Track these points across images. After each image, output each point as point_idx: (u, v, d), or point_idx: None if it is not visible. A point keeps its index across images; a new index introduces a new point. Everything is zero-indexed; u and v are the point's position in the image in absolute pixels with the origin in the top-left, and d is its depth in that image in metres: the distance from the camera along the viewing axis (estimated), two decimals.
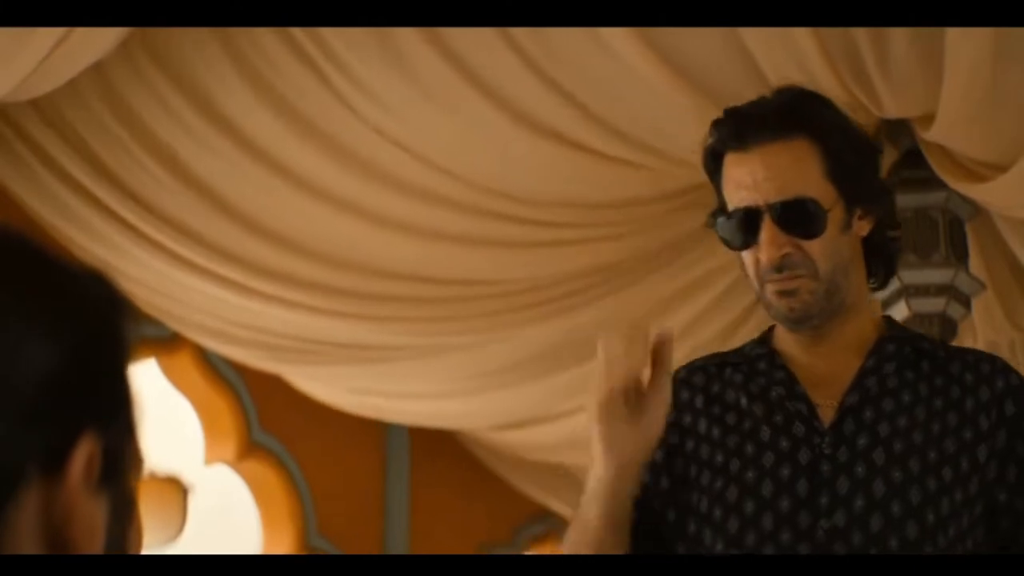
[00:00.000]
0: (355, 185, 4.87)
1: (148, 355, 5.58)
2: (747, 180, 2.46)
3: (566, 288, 5.08)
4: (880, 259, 2.57)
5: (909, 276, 4.32)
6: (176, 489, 5.60)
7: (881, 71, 4.06)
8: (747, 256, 2.49)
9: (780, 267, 2.44)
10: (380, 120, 4.65)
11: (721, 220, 2.51)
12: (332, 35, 4.46)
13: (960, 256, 4.47)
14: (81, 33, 4.18)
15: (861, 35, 3.99)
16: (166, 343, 5.57)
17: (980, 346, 4.77)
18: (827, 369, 2.51)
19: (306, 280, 5.13)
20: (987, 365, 2.51)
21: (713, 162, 2.54)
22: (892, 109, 4.19)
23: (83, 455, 1.11)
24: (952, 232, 4.45)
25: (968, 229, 4.55)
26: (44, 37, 4.14)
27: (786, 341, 2.55)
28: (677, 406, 2.48)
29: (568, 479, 5.74)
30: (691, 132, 4.55)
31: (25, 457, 1.08)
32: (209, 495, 6.17)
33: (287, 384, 5.86)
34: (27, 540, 1.08)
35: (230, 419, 5.87)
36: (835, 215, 2.46)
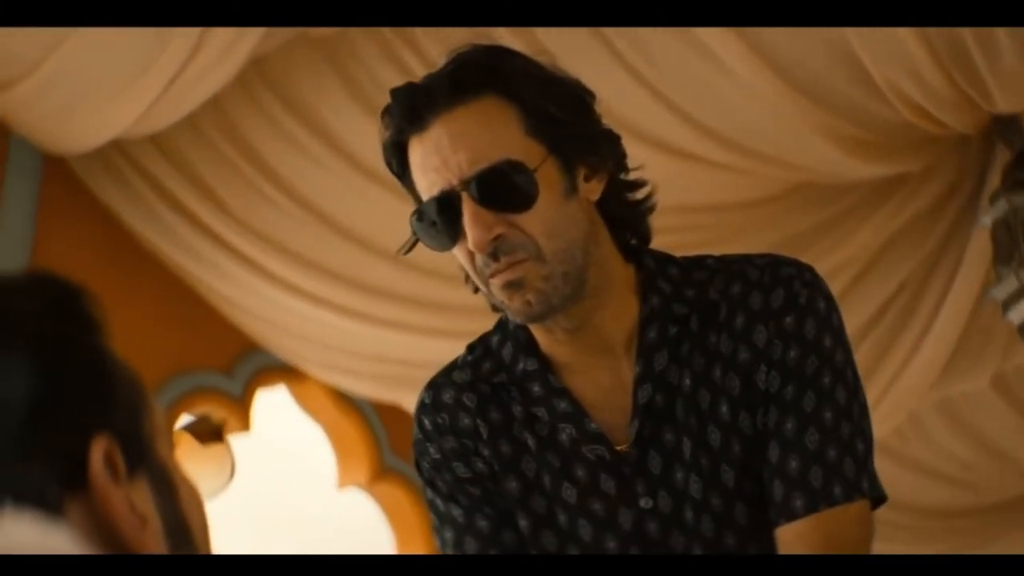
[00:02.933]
0: None
1: (278, 382, 5.66)
2: (434, 160, 1.98)
3: None
4: (625, 224, 2.09)
5: None
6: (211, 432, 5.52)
7: (990, 67, 4.03)
8: (460, 254, 2.01)
9: (494, 252, 1.96)
10: None
11: (414, 220, 2.02)
12: (439, 54, 4.50)
13: None
14: (197, 66, 4.26)
15: (967, 32, 3.96)
16: (296, 370, 5.63)
17: None
18: (608, 377, 2.07)
19: (431, 301, 5.17)
20: (758, 295, 2.06)
21: (399, 159, 2.04)
22: (1003, 104, 4.16)
23: (98, 458, 1.12)
24: None
25: None
26: (158, 72, 4.24)
27: (548, 342, 2.08)
28: (461, 432, 2.10)
29: None
30: (795, 136, 4.59)
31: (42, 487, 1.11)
32: (344, 519, 6.24)
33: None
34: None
35: (361, 443, 5.92)
36: (548, 177, 1.98)
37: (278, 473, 6.51)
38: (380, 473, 5.95)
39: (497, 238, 1.96)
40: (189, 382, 5.29)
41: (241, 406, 5.46)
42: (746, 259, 2.12)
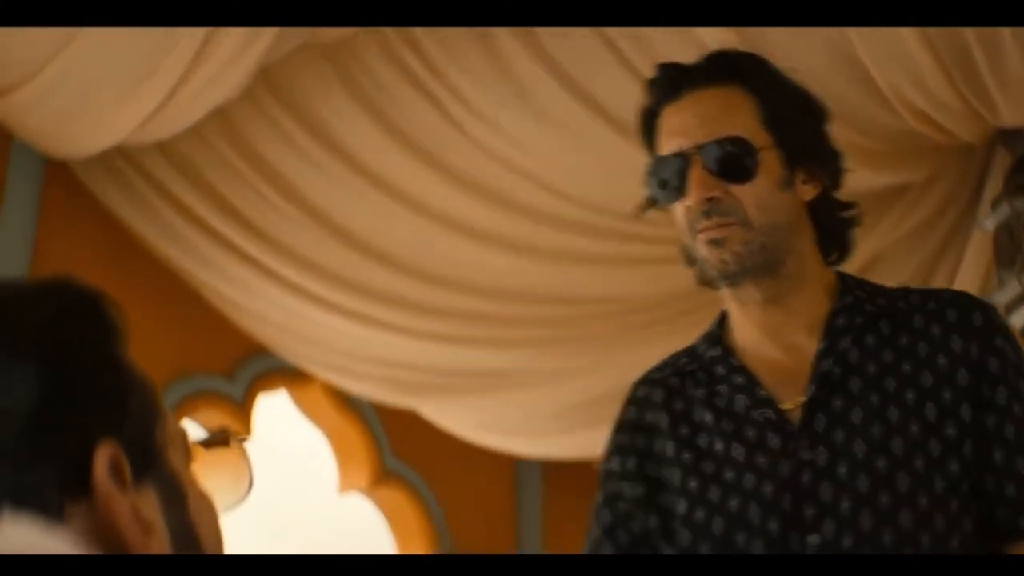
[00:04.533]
0: (475, 209, 4.90)
1: (279, 386, 5.66)
2: (678, 126, 2.32)
3: (681, 307, 5.06)
4: (830, 232, 2.40)
5: None
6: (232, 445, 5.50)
7: (995, 78, 4.02)
8: (679, 210, 2.33)
9: (708, 212, 2.28)
10: (496, 145, 4.68)
11: (649, 175, 2.35)
12: (445, 61, 4.51)
13: None
14: (201, 76, 4.26)
15: (974, 42, 3.95)
16: (297, 374, 5.63)
17: None
18: (786, 357, 2.34)
19: (432, 307, 5.16)
20: (953, 311, 2.33)
21: (649, 123, 2.38)
22: (1008, 117, 4.15)
23: (103, 464, 1.12)
24: None
25: None
26: (161, 78, 4.23)
27: (739, 329, 2.39)
28: (644, 428, 2.39)
29: None
30: None
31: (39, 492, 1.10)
32: (345, 522, 6.23)
33: (417, 411, 5.90)
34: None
35: (362, 447, 5.92)
36: (770, 164, 2.31)
37: (279, 478, 6.50)
38: (381, 477, 5.95)
39: (712, 199, 2.27)
40: (190, 386, 5.29)
41: (242, 410, 5.46)
42: (939, 289, 2.48)
